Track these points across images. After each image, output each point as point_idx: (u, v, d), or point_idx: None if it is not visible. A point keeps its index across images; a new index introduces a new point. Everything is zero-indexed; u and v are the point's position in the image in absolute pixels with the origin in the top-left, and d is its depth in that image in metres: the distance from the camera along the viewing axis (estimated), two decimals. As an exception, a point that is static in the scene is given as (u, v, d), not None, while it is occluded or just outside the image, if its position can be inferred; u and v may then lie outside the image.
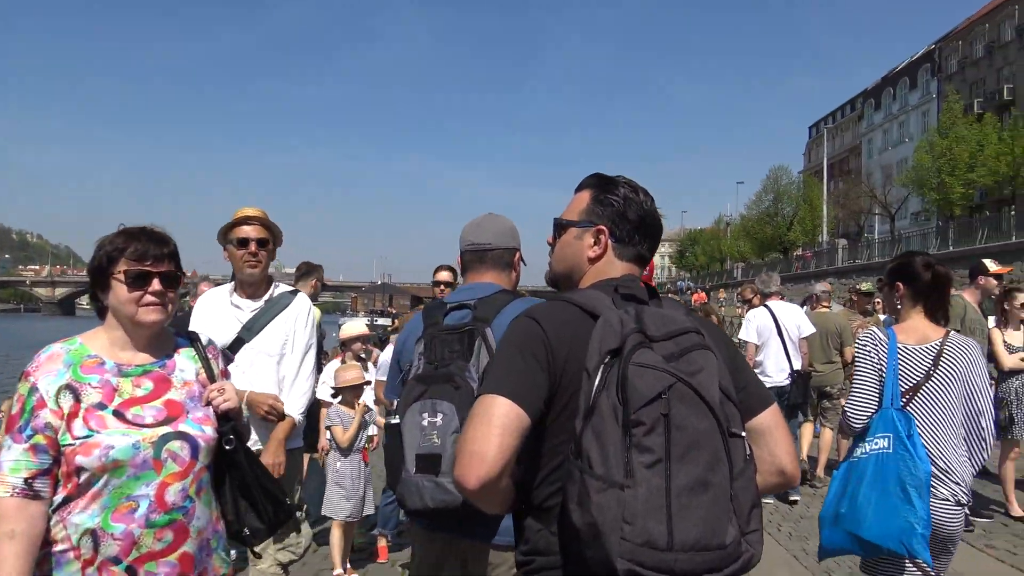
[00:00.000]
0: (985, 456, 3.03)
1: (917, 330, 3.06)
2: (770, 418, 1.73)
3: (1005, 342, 6.33)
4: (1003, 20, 49.80)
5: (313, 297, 5.84)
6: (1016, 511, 6.30)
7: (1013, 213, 31.48)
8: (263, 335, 3.41)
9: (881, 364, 2.99)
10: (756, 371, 6.49)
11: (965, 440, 2.96)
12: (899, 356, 2.99)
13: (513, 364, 1.61)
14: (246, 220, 3.40)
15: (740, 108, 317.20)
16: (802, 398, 6.95)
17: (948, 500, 2.84)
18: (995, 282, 6.10)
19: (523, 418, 1.55)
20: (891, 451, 2.82)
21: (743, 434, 1.53)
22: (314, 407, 5.02)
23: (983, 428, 2.96)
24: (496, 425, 1.52)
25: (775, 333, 6.91)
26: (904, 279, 3.15)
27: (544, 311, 1.69)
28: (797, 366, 6.83)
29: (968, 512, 5.72)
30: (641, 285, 1.72)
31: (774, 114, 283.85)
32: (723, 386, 1.52)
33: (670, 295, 26.92)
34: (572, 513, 1.45)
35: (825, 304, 8.19)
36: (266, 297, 3.47)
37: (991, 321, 6.58)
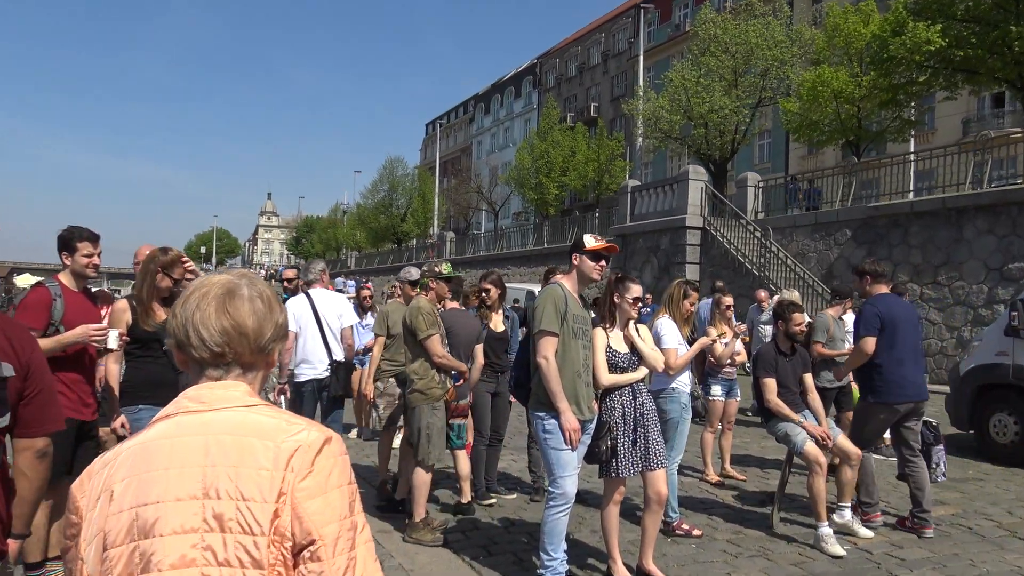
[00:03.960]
0: None
1: None
2: None
3: (609, 347, 4.58)
4: (592, 45, 55.77)
5: None
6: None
7: (597, 216, 34.48)
8: None
9: None
10: (298, 360, 6.16)
11: None
12: None
13: None
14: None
15: (360, 98, 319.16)
16: (342, 390, 6.39)
17: None
18: (592, 264, 4.29)
19: None
20: None
21: None
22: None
23: None
24: None
25: (313, 321, 6.35)
26: None
27: None
28: (339, 357, 6.32)
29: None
30: None
31: (394, 108, 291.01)
32: None
33: (273, 281, 24.73)
34: None
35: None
36: None
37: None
